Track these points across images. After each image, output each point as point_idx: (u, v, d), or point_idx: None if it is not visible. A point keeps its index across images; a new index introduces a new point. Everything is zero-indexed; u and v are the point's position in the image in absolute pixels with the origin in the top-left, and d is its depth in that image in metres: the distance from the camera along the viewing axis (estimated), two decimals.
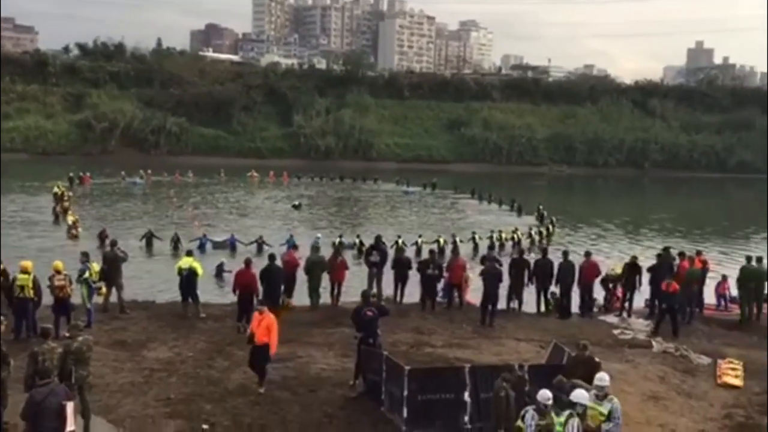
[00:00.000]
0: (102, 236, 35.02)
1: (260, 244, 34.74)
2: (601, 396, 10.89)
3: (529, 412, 10.47)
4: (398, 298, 22.46)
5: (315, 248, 23.44)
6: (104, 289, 20.16)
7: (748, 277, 21.64)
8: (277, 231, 40.01)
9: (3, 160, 78.86)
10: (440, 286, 22.54)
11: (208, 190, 63.99)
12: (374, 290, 22.60)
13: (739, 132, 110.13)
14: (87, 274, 18.59)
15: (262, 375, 14.34)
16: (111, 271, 19.89)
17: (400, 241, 31.86)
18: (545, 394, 10.62)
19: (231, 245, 35.21)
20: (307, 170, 78.75)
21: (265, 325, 14.14)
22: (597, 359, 13.00)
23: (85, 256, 19.28)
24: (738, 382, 16.00)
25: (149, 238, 35.59)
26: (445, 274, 22.24)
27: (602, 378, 11.07)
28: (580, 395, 10.54)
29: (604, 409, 10.80)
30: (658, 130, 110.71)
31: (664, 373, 16.50)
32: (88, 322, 17.98)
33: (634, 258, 23.19)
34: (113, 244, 21.33)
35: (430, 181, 69.75)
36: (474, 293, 22.82)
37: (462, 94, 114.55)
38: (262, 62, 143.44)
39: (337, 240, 33.45)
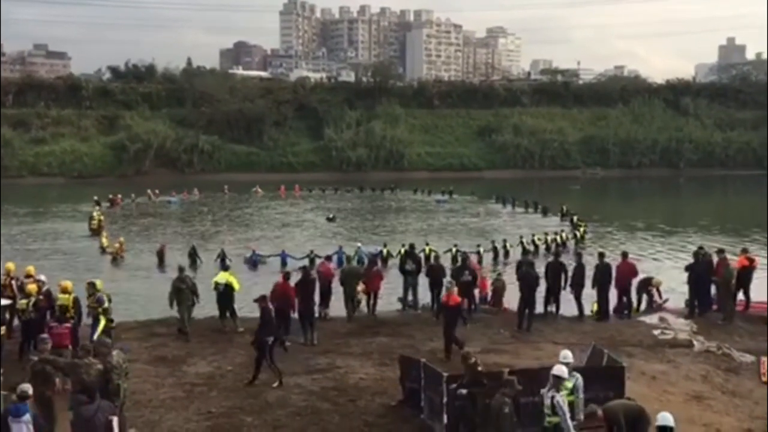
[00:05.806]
0: (160, 254, 35.28)
1: (311, 258, 32.96)
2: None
3: (556, 397, 11.09)
4: (434, 306, 22.45)
5: (349, 258, 23.52)
6: None
7: None
8: (313, 243, 39.82)
9: (40, 184, 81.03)
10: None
11: (219, 206, 63.38)
12: (410, 298, 22.82)
13: None
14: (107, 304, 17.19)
15: None
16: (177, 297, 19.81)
17: (453, 250, 32.62)
18: (561, 369, 11.34)
19: (282, 261, 34.73)
20: (338, 183, 78.77)
21: None
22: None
23: (92, 287, 17.82)
24: None
25: (192, 255, 35.44)
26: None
27: (566, 355, 12.10)
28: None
29: (570, 383, 11.72)
30: (692, 129, 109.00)
31: (706, 372, 16.30)
32: None
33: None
34: (181, 270, 20.75)
35: (448, 188, 69.21)
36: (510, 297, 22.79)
37: (491, 100, 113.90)
38: (291, 77, 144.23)
39: (384, 250, 33.65)
